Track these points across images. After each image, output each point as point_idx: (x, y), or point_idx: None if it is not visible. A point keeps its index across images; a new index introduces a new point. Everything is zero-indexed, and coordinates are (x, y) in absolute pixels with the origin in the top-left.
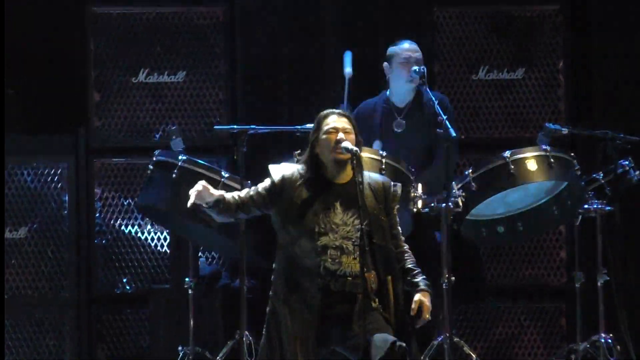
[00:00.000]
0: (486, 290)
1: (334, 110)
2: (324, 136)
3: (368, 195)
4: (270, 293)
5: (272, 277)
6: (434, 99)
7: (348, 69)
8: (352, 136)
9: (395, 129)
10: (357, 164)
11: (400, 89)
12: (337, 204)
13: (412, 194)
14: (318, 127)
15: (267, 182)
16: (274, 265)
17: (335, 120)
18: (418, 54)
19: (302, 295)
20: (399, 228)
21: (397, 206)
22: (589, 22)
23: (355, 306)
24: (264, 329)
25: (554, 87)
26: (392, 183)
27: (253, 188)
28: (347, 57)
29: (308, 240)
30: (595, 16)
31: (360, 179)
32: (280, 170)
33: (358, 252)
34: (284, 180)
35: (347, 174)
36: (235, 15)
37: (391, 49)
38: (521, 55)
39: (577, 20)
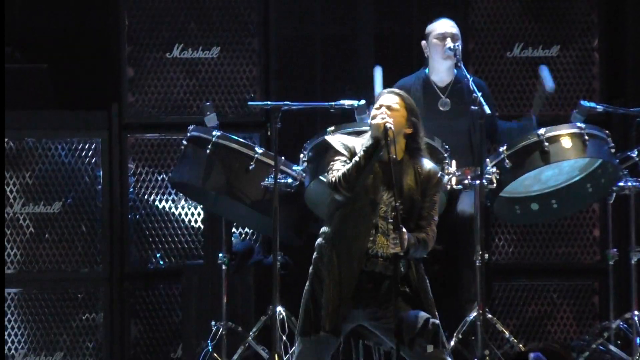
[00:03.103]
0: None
1: (391, 89)
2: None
3: (410, 177)
4: (314, 257)
5: (319, 237)
6: (468, 76)
7: (378, 89)
8: (399, 114)
9: (441, 108)
10: (391, 142)
11: (439, 66)
12: (381, 182)
13: (446, 171)
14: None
15: (343, 157)
16: (320, 233)
17: (384, 99)
18: (455, 30)
19: (342, 262)
20: (434, 215)
21: (438, 193)
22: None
23: (382, 287)
24: (306, 294)
25: (589, 65)
26: (441, 173)
27: (337, 165)
28: (377, 75)
29: (359, 214)
30: None
31: (394, 156)
32: (347, 141)
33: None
34: (352, 151)
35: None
36: None
37: (429, 27)
38: (556, 33)
39: None
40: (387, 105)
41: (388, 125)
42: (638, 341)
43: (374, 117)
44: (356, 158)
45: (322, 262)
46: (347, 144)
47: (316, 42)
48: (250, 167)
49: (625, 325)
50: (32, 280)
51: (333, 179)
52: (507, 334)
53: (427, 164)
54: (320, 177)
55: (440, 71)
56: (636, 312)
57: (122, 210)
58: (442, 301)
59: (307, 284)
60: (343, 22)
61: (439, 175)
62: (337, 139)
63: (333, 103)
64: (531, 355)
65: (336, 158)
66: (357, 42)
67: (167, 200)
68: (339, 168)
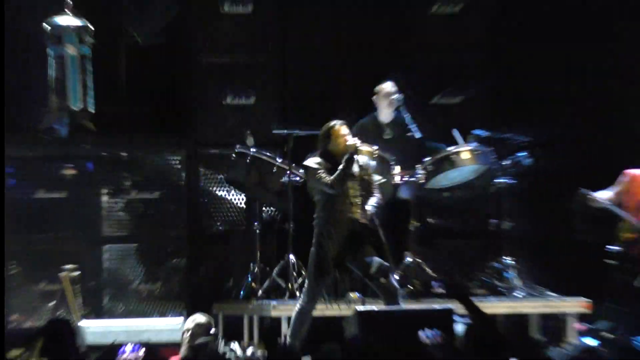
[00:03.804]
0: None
1: (342, 121)
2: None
3: (357, 169)
4: (314, 229)
5: (317, 217)
6: (407, 116)
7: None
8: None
9: (385, 136)
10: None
11: (384, 111)
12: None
13: (392, 173)
14: (327, 134)
15: (321, 170)
16: (317, 211)
17: (345, 129)
18: (395, 89)
19: (333, 229)
20: (374, 183)
21: (371, 177)
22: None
23: (359, 241)
24: (313, 245)
25: (479, 105)
26: (368, 162)
27: (322, 174)
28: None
29: (339, 198)
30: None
31: (349, 167)
32: (315, 161)
33: (359, 204)
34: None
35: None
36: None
37: (377, 88)
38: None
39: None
40: (346, 131)
41: (358, 144)
42: (507, 274)
43: (343, 141)
44: (342, 166)
45: (322, 234)
46: (317, 163)
47: (316, 98)
48: (274, 170)
49: (499, 265)
50: (145, 236)
51: (330, 182)
52: (428, 270)
53: (363, 158)
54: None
55: (384, 114)
56: (506, 258)
57: (196, 197)
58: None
59: (312, 249)
60: (348, 72)
61: (370, 164)
62: (311, 162)
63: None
64: (434, 283)
65: (318, 171)
66: (346, 89)
67: (223, 191)
68: (325, 175)
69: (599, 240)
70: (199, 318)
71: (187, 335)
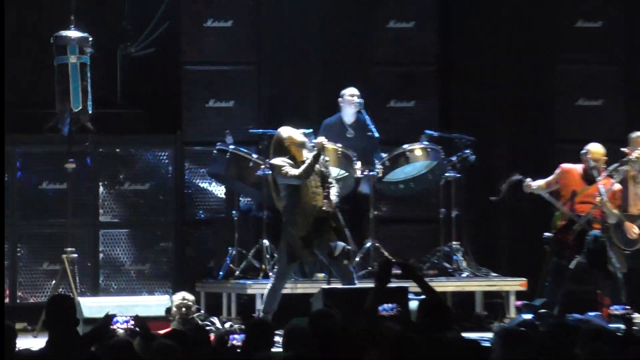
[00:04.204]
0: None
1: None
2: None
3: (320, 166)
4: (283, 214)
5: (284, 208)
6: (367, 118)
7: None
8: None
9: (348, 135)
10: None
11: (348, 112)
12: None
13: (354, 167)
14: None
15: (286, 164)
16: (284, 203)
17: (295, 130)
18: (357, 92)
19: (300, 218)
20: (334, 182)
21: (329, 169)
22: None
23: (323, 227)
24: (283, 230)
25: (430, 111)
26: (323, 157)
27: (288, 168)
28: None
29: (302, 190)
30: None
31: (327, 159)
32: (281, 160)
33: (323, 195)
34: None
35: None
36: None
37: (342, 92)
38: (412, 93)
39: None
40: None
41: (324, 141)
42: (455, 257)
43: (300, 143)
44: (309, 161)
45: (289, 221)
46: (283, 160)
47: (290, 104)
48: (250, 165)
49: (448, 249)
50: (137, 222)
51: (299, 173)
52: (386, 253)
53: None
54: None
55: (348, 115)
56: (454, 243)
57: (182, 187)
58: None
59: (282, 234)
60: (307, 87)
61: (325, 158)
62: (277, 160)
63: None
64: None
65: (284, 168)
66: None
67: (205, 183)
68: (291, 169)
69: (535, 228)
70: (187, 295)
71: (177, 310)
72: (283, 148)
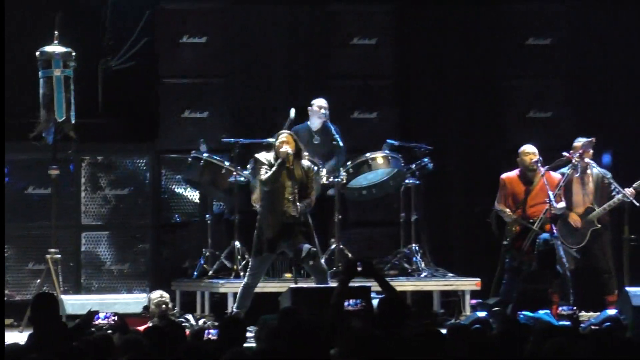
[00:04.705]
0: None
1: (285, 131)
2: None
3: (298, 171)
4: (258, 217)
5: (258, 210)
6: (332, 127)
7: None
8: (292, 143)
9: (314, 142)
10: (288, 160)
11: (315, 121)
12: (286, 177)
13: (320, 174)
14: (276, 139)
15: (265, 166)
16: (259, 205)
17: (283, 136)
18: (325, 104)
19: (271, 218)
20: (313, 188)
21: (313, 177)
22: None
23: (292, 229)
24: (256, 230)
25: (390, 123)
26: (311, 166)
27: (262, 171)
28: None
29: (276, 193)
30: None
31: (291, 165)
32: (265, 157)
33: (293, 200)
34: (269, 163)
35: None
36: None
37: (312, 101)
38: (374, 104)
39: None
40: (285, 139)
41: (289, 152)
42: (414, 258)
43: (280, 147)
44: (274, 169)
45: (261, 221)
46: (267, 159)
47: (257, 115)
48: (223, 172)
49: (408, 251)
50: (117, 225)
51: (264, 179)
52: (350, 255)
53: (306, 163)
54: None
55: (315, 124)
56: (413, 245)
57: (159, 193)
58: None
59: (255, 233)
60: (271, 96)
61: (313, 169)
62: (262, 156)
63: (264, 140)
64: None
65: (262, 168)
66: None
67: (180, 188)
68: (265, 172)
69: (489, 231)
70: (163, 293)
71: (154, 307)
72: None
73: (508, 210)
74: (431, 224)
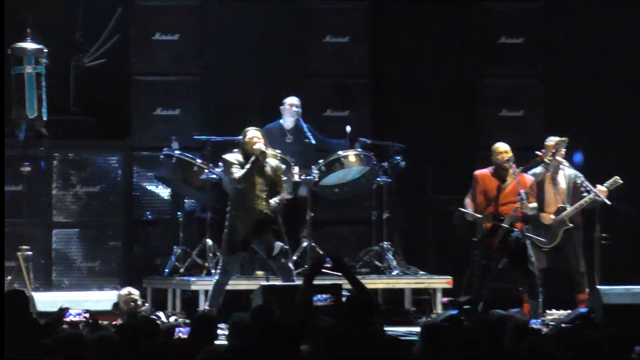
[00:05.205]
0: None
1: (254, 127)
2: (248, 140)
3: (269, 169)
4: (227, 215)
5: (229, 203)
6: (304, 126)
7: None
8: (263, 139)
9: (287, 141)
10: (262, 156)
11: (288, 119)
12: (257, 174)
13: (292, 172)
14: (245, 136)
15: (235, 165)
16: (230, 199)
17: (253, 132)
18: (297, 102)
19: (242, 216)
20: (284, 187)
21: (282, 176)
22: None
23: (263, 227)
24: (226, 228)
25: (364, 120)
26: (280, 164)
27: (234, 169)
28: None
29: (247, 191)
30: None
31: (263, 163)
32: (233, 157)
33: (264, 197)
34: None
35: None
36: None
37: (284, 100)
38: (346, 102)
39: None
40: (257, 136)
41: (263, 149)
42: (386, 256)
43: (254, 144)
44: (249, 166)
45: (232, 219)
46: (236, 159)
47: (231, 114)
48: (194, 169)
49: (379, 249)
50: (88, 222)
51: (238, 177)
52: (322, 253)
53: (275, 161)
54: (229, 175)
55: (287, 122)
56: (384, 243)
57: (131, 189)
58: (289, 234)
59: (225, 231)
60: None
61: (281, 167)
62: (230, 157)
63: (237, 137)
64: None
65: (233, 166)
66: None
67: (153, 185)
68: (236, 171)
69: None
70: (132, 290)
71: (124, 305)
72: (243, 147)
73: (471, 210)
74: (403, 222)
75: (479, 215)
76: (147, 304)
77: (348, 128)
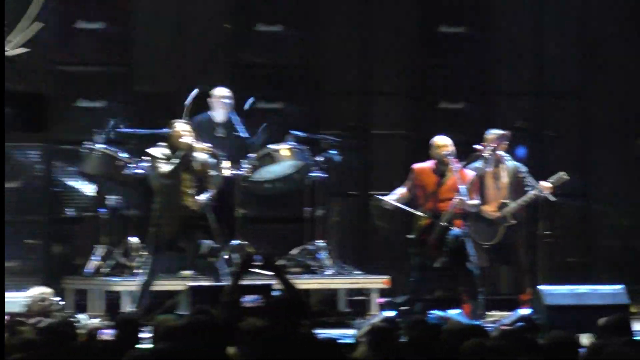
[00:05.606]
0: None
1: (182, 120)
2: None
3: (198, 164)
4: (152, 212)
5: (155, 201)
6: (236, 119)
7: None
8: (191, 134)
9: (217, 134)
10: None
11: (218, 112)
12: (183, 170)
13: (222, 166)
14: (172, 129)
15: (162, 159)
16: (155, 196)
17: (181, 125)
18: (228, 93)
19: (169, 213)
20: (211, 181)
21: (211, 171)
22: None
23: (190, 223)
24: (151, 226)
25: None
26: (208, 159)
27: (161, 163)
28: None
29: (174, 187)
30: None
31: (191, 157)
32: (159, 151)
33: (191, 194)
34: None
35: None
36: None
37: (211, 91)
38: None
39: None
40: (185, 129)
41: (191, 143)
42: (319, 255)
43: (180, 137)
44: (177, 161)
45: (158, 217)
46: (162, 153)
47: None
48: (119, 164)
49: (312, 247)
50: (6, 220)
51: (164, 172)
52: (251, 250)
53: (203, 155)
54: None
55: (218, 115)
56: (318, 241)
57: (52, 186)
58: (219, 232)
59: (152, 229)
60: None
61: (209, 162)
62: (156, 151)
63: (164, 130)
64: (255, 256)
65: (159, 161)
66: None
67: (75, 181)
68: (163, 166)
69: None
70: (44, 289)
71: (35, 304)
72: (170, 140)
73: (394, 199)
74: (339, 219)
75: (400, 205)
76: (61, 303)
77: (250, 101)
